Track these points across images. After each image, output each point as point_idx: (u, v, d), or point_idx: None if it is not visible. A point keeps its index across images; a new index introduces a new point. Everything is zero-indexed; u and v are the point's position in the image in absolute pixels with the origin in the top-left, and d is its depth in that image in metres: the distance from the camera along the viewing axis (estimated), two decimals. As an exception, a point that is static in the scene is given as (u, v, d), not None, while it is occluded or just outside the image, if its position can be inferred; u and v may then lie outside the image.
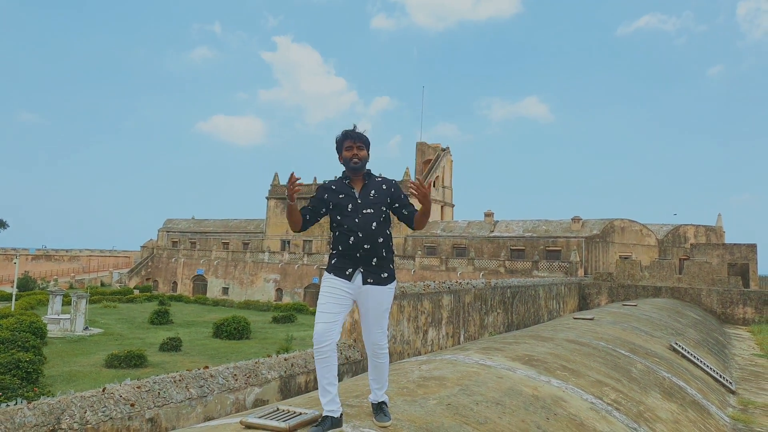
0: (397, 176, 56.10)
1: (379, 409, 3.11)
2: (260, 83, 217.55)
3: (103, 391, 4.79)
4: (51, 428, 4.23)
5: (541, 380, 4.66)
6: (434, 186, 58.91)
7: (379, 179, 3.27)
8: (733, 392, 8.16)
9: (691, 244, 34.61)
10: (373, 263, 3.06)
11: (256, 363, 6.41)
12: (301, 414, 2.99)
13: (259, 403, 6.08)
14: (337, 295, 3.00)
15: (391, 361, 8.66)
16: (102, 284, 60.00)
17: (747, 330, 19.98)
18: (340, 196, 3.17)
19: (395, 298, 9.28)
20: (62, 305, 32.55)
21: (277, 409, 3.11)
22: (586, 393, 4.68)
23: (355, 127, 3.25)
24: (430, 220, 55.36)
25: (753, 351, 14.34)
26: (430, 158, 60.84)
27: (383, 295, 3.07)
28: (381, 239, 3.10)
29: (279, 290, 50.81)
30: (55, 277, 60.15)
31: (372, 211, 3.12)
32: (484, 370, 4.64)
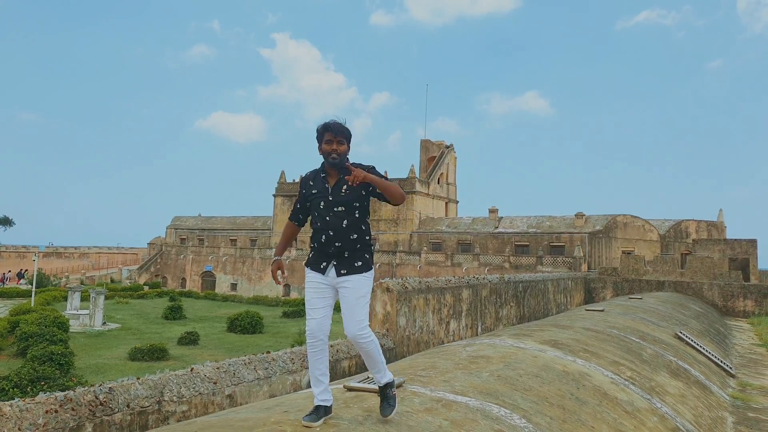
0: (402, 173, 56.86)
1: (384, 395, 3.05)
2: (259, 80, 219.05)
3: (192, 370, 5.59)
4: (157, 400, 5.03)
5: (568, 359, 5.47)
6: (438, 183, 59.69)
7: None
8: (732, 376, 8.96)
9: (693, 240, 35.39)
10: (346, 256, 3.06)
11: (308, 349, 7.20)
12: (388, 380, 3.78)
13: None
14: (319, 290, 3.06)
15: (419, 350, 9.49)
16: (111, 281, 60.85)
17: (747, 322, 20.80)
18: (314, 191, 3.14)
19: (421, 291, 10.07)
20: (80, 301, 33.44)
21: (368, 377, 3.90)
22: (606, 370, 5.48)
23: (344, 121, 3.15)
24: (434, 215, 56.42)
25: (752, 341, 15.14)
26: (434, 155, 61.64)
27: (358, 283, 3.03)
28: (354, 235, 3.08)
29: (287, 286, 51.70)
30: (67, 273, 61.09)
31: (343, 208, 3.06)
32: (520, 352, 5.44)
